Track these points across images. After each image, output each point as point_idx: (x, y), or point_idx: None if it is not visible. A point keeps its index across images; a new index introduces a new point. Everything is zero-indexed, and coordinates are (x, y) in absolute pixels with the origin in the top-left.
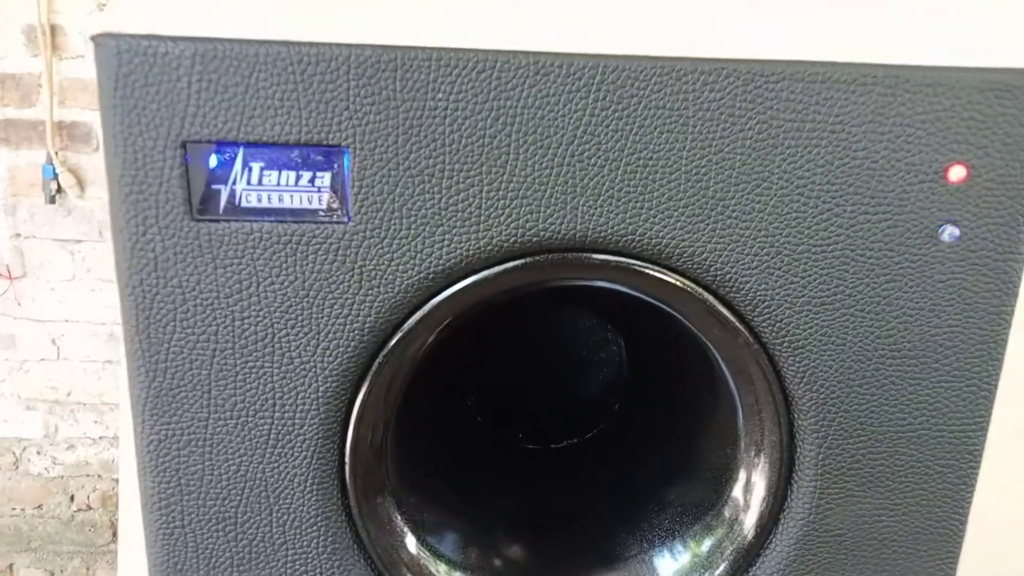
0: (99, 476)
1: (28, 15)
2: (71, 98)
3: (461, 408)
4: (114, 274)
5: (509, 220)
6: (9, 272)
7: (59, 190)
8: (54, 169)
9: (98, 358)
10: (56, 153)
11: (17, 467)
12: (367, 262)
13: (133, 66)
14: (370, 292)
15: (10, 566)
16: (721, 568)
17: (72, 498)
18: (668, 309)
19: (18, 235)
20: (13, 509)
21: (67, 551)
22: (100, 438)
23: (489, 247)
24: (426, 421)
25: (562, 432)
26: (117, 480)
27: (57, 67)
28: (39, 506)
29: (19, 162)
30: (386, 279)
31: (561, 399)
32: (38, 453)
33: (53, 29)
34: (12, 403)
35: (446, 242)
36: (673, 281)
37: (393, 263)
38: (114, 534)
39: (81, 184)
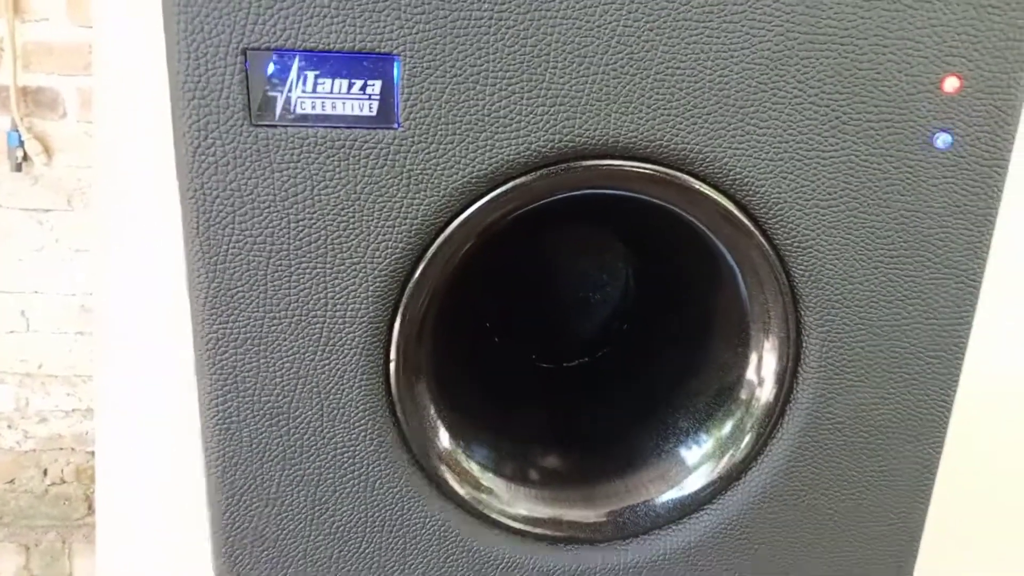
0: (72, 449)
1: None
2: (36, 62)
3: (480, 330)
4: (84, 244)
5: (547, 127)
6: None
7: (25, 158)
8: (19, 136)
9: (69, 329)
10: (21, 119)
11: None
12: (415, 167)
13: None
14: (417, 195)
15: None
16: (746, 440)
17: (45, 472)
18: (685, 216)
19: None
20: None
21: (41, 525)
22: (73, 411)
23: (528, 152)
24: (451, 342)
25: (575, 351)
26: (91, 453)
27: (20, 30)
28: (11, 480)
29: None
30: (432, 183)
31: (572, 319)
32: (9, 427)
33: None
34: None
35: (488, 147)
36: (695, 186)
37: (439, 168)
38: (89, 507)
39: (48, 152)
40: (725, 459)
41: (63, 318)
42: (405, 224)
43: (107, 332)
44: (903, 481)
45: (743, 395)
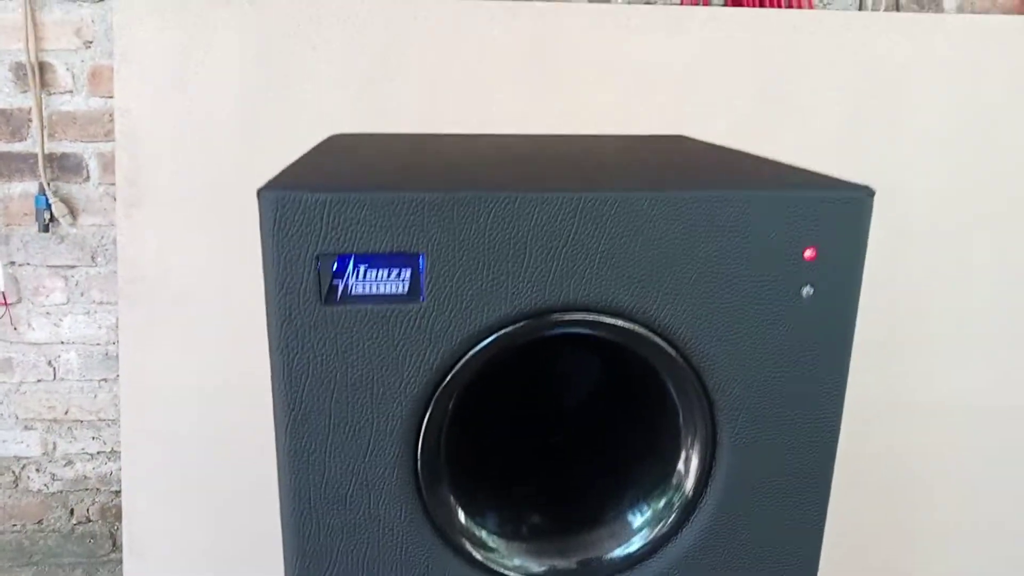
0: (97, 490)
1: (17, 53)
2: (61, 131)
3: (483, 423)
4: (108, 296)
5: (525, 294)
6: (4, 298)
7: (52, 219)
8: (47, 199)
9: (94, 377)
10: (48, 184)
11: (17, 485)
12: (435, 326)
13: (286, 209)
14: (437, 344)
15: None
16: (673, 516)
17: (72, 512)
18: (631, 346)
19: (12, 263)
20: (14, 525)
21: (69, 563)
22: (98, 453)
23: (514, 312)
24: (461, 441)
25: (556, 435)
26: (115, 492)
27: (46, 102)
28: (39, 521)
29: (11, 193)
30: (447, 336)
31: (555, 412)
32: (37, 470)
33: (42, 66)
34: (10, 424)
35: (485, 309)
36: (633, 328)
37: (452, 325)
38: (114, 544)
39: (73, 212)
40: (659, 525)
41: (88, 366)
42: (426, 366)
43: (131, 379)
44: (795, 541)
45: (674, 480)
